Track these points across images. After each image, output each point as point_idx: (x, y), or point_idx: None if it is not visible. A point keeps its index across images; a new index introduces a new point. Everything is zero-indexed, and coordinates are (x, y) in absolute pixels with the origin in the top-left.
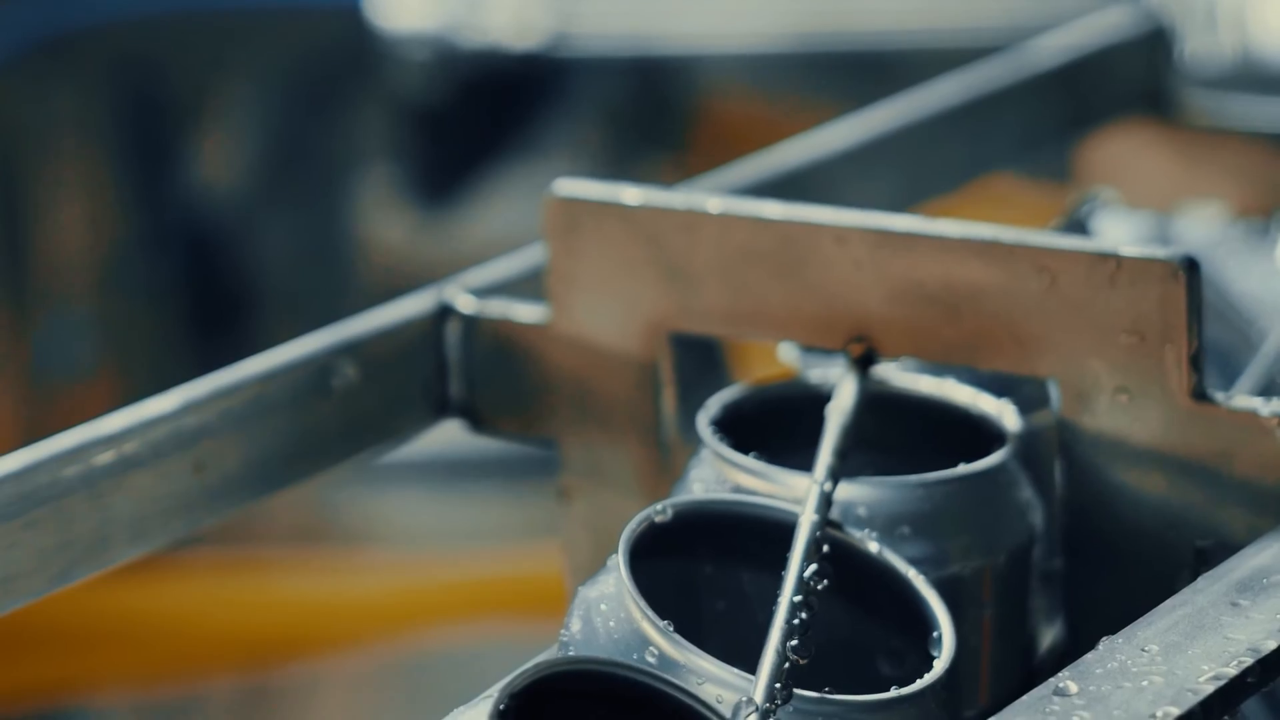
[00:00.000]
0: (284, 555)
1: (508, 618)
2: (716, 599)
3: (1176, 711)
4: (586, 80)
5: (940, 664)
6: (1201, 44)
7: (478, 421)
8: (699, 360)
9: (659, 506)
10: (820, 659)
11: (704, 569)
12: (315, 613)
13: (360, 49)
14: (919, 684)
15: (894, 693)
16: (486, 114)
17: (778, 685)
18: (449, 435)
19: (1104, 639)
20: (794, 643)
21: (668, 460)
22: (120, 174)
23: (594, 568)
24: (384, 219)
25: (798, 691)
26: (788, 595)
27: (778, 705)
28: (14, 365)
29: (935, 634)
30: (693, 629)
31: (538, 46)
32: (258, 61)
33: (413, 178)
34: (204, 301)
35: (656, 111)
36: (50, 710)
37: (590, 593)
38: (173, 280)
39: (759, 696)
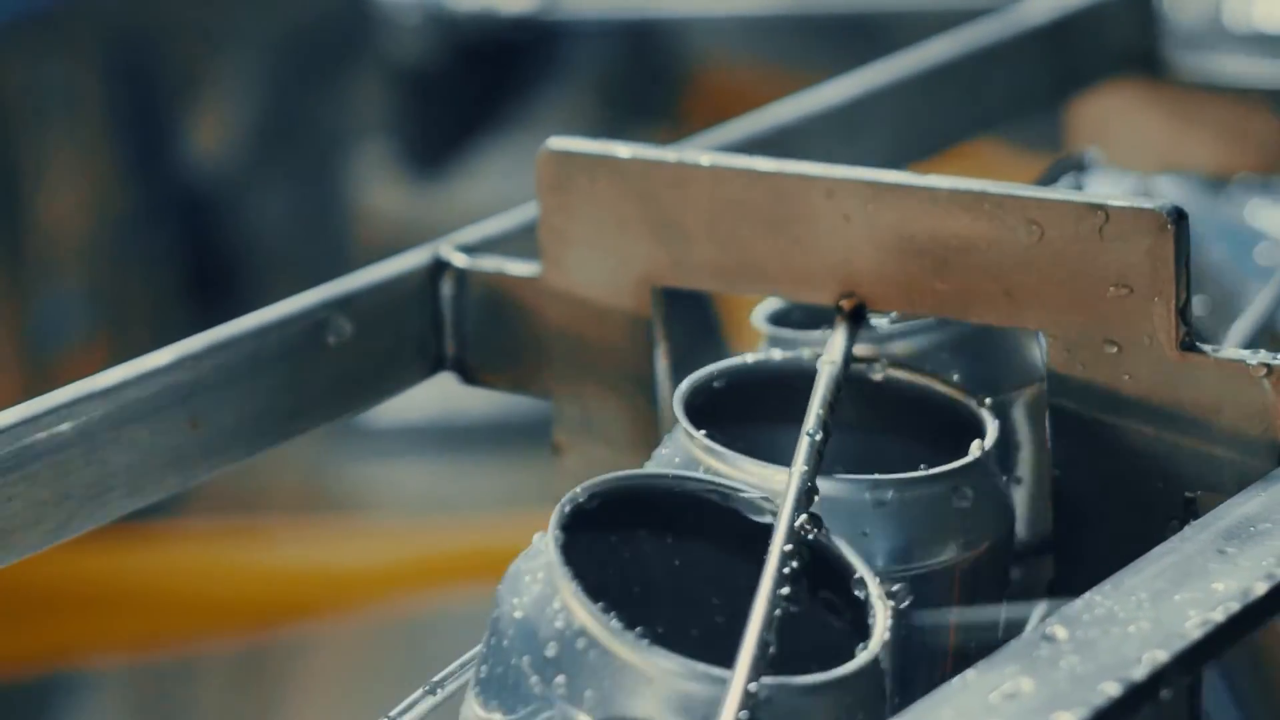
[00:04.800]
0: (282, 522)
1: None
2: (650, 574)
3: (1164, 656)
4: (579, 45)
5: (873, 645)
6: (1192, 2)
7: (470, 376)
8: (691, 315)
9: (589, 483)
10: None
11: (639, 546)
12: (313, 579)
13: (352, 14)
14: (848, 666)
15: (827, 675)
16: (479, 79)
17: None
18: (446, 401)
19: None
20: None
21: (659, 415)
22: (115, 145)
23: None
24: (378, 186)
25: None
26: (768, 585)
27: (759, 697)
28: (10, 336)
29: (871, 619)
30: (625, 603)
31: (531, 10)
32: (251, 30)
33: (406, 144)
34: (199, 271)
35: (650, 77)
36: (49, 674)
37: (521, 566)
38: (167, 250)
39: (737, 688)
